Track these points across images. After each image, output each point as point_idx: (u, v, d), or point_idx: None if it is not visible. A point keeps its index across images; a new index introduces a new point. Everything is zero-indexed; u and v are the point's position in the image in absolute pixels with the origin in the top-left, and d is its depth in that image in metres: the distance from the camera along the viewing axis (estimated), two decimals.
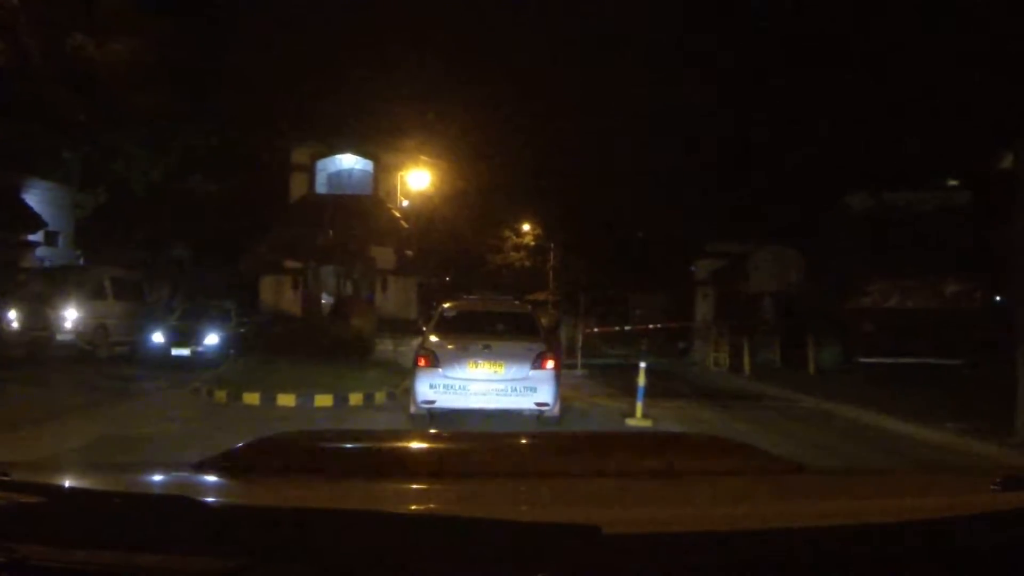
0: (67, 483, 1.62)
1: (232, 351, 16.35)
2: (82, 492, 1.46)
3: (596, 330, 22.68)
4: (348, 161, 22.36)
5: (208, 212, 20.58)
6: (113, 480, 1.82)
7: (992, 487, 1.56)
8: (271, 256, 16.98)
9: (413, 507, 1.57)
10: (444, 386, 8.90)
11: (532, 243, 37.30)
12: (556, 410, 9.16)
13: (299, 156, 22.21)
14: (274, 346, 15.45)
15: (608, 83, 24.63)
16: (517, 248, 37.40)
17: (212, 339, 17.36)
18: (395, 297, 20.53)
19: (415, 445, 2.32)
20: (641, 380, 9.91)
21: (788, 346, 18.87)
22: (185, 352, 16.60)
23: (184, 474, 1.85)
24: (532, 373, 8.95)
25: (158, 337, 17.14)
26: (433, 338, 9.45)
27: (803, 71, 22.13)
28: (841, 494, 1.85)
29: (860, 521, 1.33)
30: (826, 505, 1.64)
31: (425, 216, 22.63)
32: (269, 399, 10.55)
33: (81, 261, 23.41)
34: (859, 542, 1.23)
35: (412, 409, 9.25)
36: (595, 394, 13.46)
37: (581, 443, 2.68)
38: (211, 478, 1.78)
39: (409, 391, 9.54)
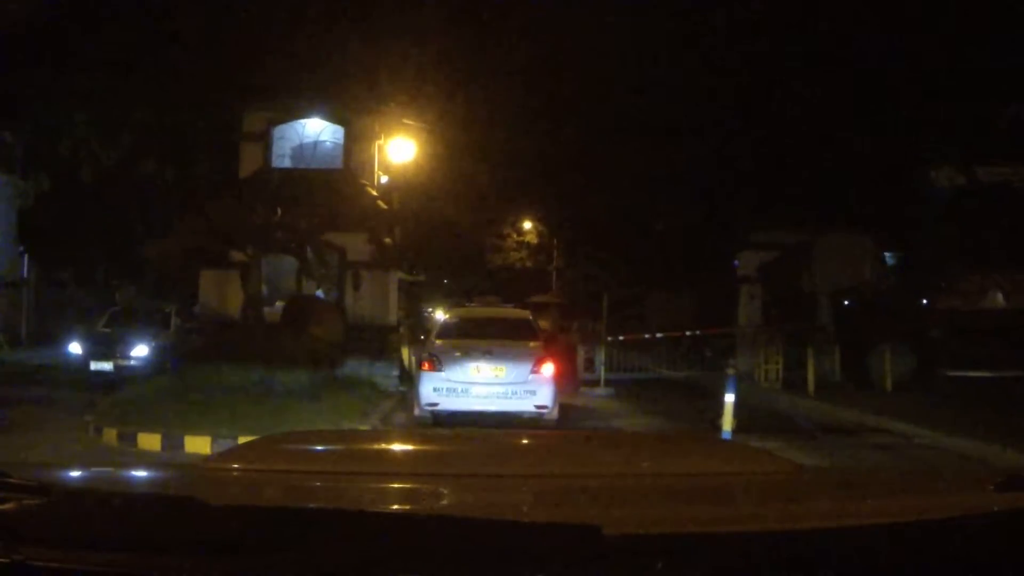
0: (68, 484, 1.61)
1: (171, 365, 13.59)
2: (82, 492, 1.46)
3: (621, 338, 18.40)
4: (313, 128, 17.90)
5: (167, 201, 17.60)
6: (114, 481, 1.82)
7: (992, 487, 1.55)
8: (191, 241, 12.78)
9: (413, 507, 1.58)
10: (447, 389, 9.26)
11: (535, 241, 34.64)
12: (555, 413, 9.50)
13: (252, 122, 17.69)
14: (200, 362, 11.89)
15: (628, 45, 20.33)
16: (519, 247, 34.80)
17: (141, 350, 14.65)
18: (371, 297, 16.09)
19: (415, 445, 2.43)
20: (727, 423, 7.90)
21: (847, 355, 15.60)
22: (107, 366, 14.09)
23: (185, 474, 1.92)
24: (532, 377, 9.36)
25: (75, 347, 14.78)
26: (437, 342, 10.04)
27: (872, 16, 17.72)
28: (841, 494, 1.86)
29: (860, 522, 1.34)
30: (826, 505, 1.67)
31: (409, 194, 18.21)
32: (175, 443, 8.38)
33: (25, 257, 21.03)
34: (859, 543, 1.23)
35: (416, 411, 9.66)
36: (635, 426, 11.26)
37: (581, 443, 2.77)
38: (212, 478, 1.79)
39: (413, 394, 9.95)
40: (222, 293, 16.74)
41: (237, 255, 15.73)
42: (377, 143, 17.52)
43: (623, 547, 1.15)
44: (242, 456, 1.97)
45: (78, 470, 2.06)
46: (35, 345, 18.99)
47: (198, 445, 8.25)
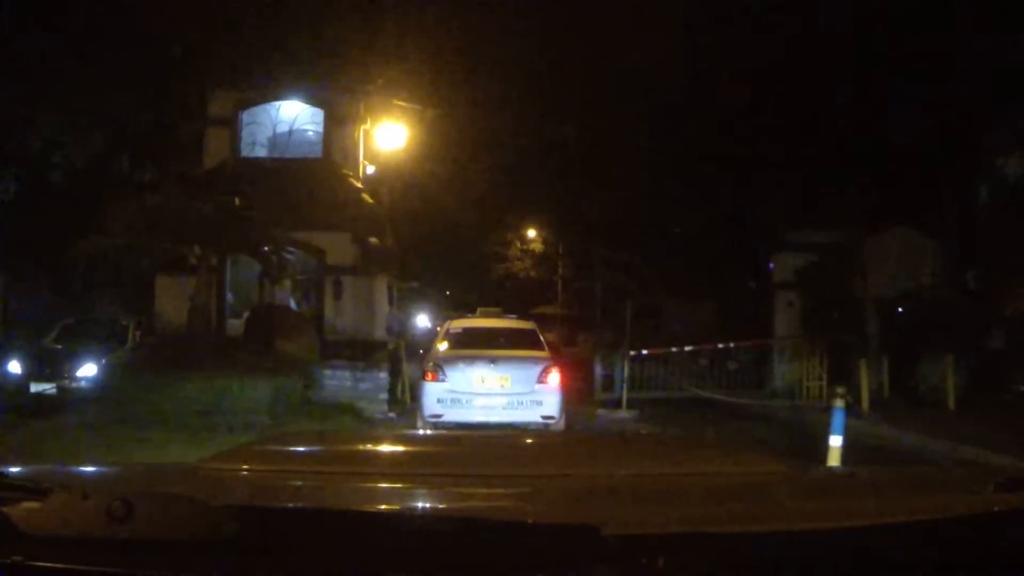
0: (68, 484, 1.58)
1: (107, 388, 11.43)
2: (81, 493, 1.43)
3: (646, 352, 16.06)
4: (289, 111, 15.37)
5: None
6: (113, 481, 1.84)
7: (992, 487, 1.55)
8: (123, 236, 10.44)
9: (412, 507, 1.57)
10: (451, 400, 9.11)
11: (540, 249, 33.33)
12: (562, 423, 9.30)
13: (218, 106, 15.25)
14: (139, 385, 9.77)
15: (648, 22, 17.88)
16: (523, 255, 33.49)
17: (90, 370, 12.87)
18: (354, 307, 13.60)
19: (416, 446, 2.47)
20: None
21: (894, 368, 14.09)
22: (48, 387, 12.45)
23: (184, 474, 1.87)
24: (537, 387, 9.17)
25: (14, 367, 13.24)
26: (441, 352, 9.89)
27: None
28: (841, 495, 1.85)
29: (860, 522, 1.33)
30: (826, 505, 1.66)
31: (400, 188, 15.60)
32: None
33: None
34: (859, 542, 1.23)
35: (419, 424, 9.44)
36: None
37: (581, 444, 2.78)
38: (211, 478, 1.78)
39: (417, 405, 9.88)
40: (182, 301, 14.27)
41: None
42: (362, 128, 15.05)
43: (623, 547, 1.15)
44: (241, 456, 1.96)
45: (78, 470, 2.11)
46: None
47: None
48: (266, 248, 11.17)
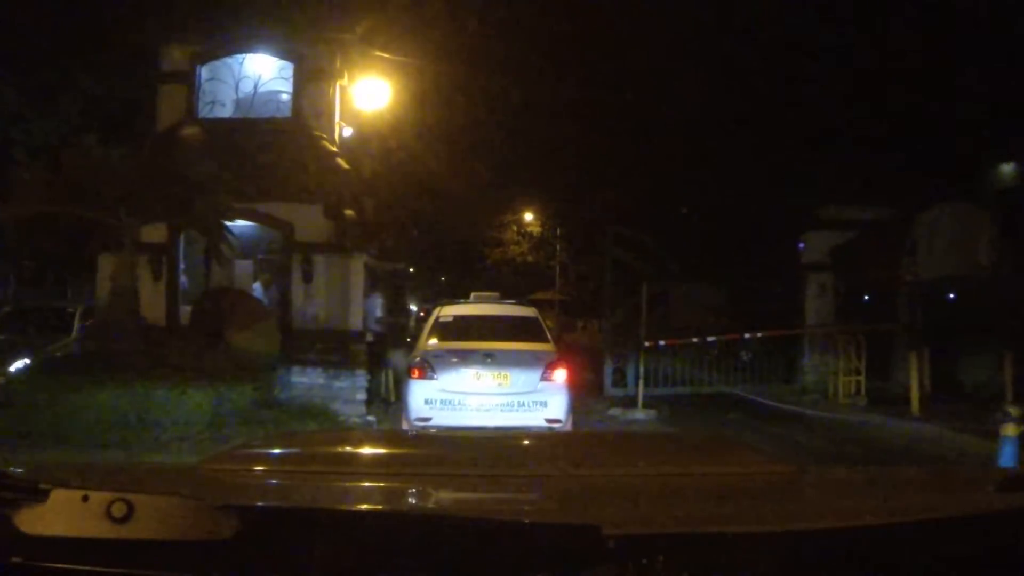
0: (68, 484, 1.54)
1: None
2: (81, 493, 1.41)
3: (663, 343, 14.42)
4: (255, 66, 13.19)
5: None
6: (113, 481, 1.78)
7: (992, 487, 1.58)
8: (38, 201, 8.46)
9: (413, 507, 1.56)
10: (441, 401, 8.14)
11: (539, 231, 31.64)
12: (568, 427, 8.34)
13: (172, 59, 13.13)
14: (60, 383, 8.28)
15: None
16: (520, 237, 31.96)
17: (24, 363, 11.26)
18: (328, 291, 11.47)
19: (415, 446, 2.42)
20: None
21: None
22: None
23: (184, 474, 1.88)
24: (541, 385, 8.18)
25: None
26: (429, 345, 8.68)
27: None
28: (841, 494, 1.85)
29: (860, 521, 1.34)
30: (826, 505, 1.67)
31: (384, 155, 13.32)
32: None
33: None
34: (859, 542, 1.23)
35: (404, 427, 8.40)
36: None
37: (581, 443, 2.75)
38: (211, 478, 1.77)
39: (402, 406, 8.76)
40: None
41: (151, 234, 11.54)
42: (339, 85, 12.94)
43: (623, 547, 1.14)
44: (242, 456, 1.96)
45: (78, 470, 2.06)
46: None
47: None
48: (210, 218, 9.15)
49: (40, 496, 1.29)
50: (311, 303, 11.56)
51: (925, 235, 13.89)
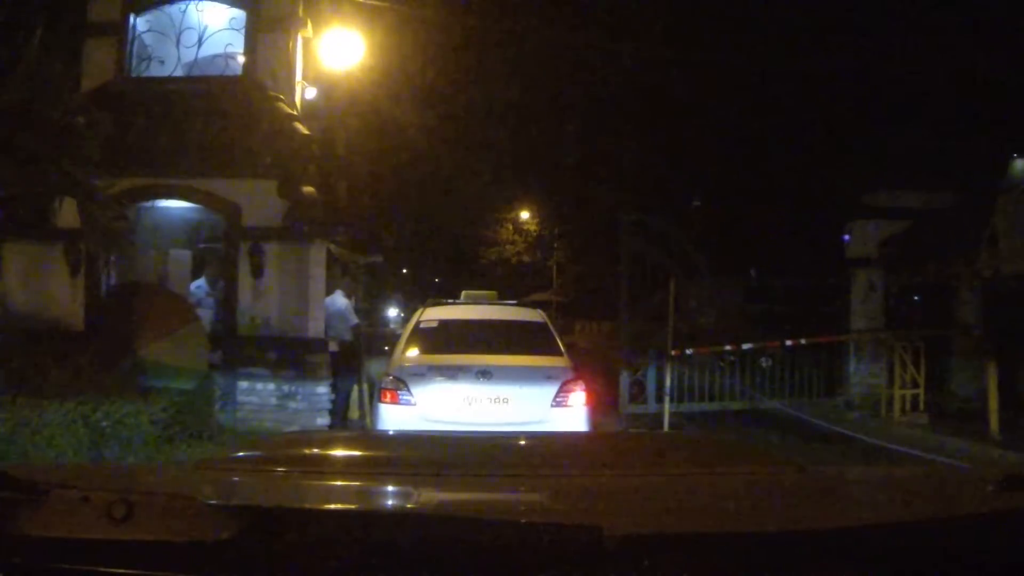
0: (67, 484, 1.53)
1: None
2: (81, 493, 1.41)
3: (689, 352, 12.35)
4: (199, 15, 10.84)
5: None
6: (113, 481, 1.78)
7: (992, 487, 1.54)
8: None
9: (413, 507, 1.55)
10: None
11: (535, 229, 30.87)
12: None
13: (101, 8, 10.77)
14: None
15: None
16: (516, 235, 31.03)
17: None
18: (282, 288, 9.17)
19: (415, 446, 2.36)
20: None
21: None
22: None
23: (184, 474, 1.85)
24: (554, 412, 6.37)
25: None
26: (406, 359, 6.88)
27: None
28: (841, 494, 1.84)
29: (860, 521, 1.34)
30: (826, 505, 1.65)
31: (356, 124, 10.89)
32: None
33: None
34: (859, 542, 1.22)
35: None
36: None
37: (581, 443, 2.72)
38: (211, 478, 1.76)
39: None
40: (41, 280, 9.91)
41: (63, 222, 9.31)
42: (300, 36, 10.61)
43: (623, 547, 1.14)
44: (241, 457, 1.94)
45: (78, 470, 2.10)
46: None
47: None
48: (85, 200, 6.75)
49: (40, 497, 1.29)
50: (262, 302, 9.23)
51: (1007, 224, 11.68)
